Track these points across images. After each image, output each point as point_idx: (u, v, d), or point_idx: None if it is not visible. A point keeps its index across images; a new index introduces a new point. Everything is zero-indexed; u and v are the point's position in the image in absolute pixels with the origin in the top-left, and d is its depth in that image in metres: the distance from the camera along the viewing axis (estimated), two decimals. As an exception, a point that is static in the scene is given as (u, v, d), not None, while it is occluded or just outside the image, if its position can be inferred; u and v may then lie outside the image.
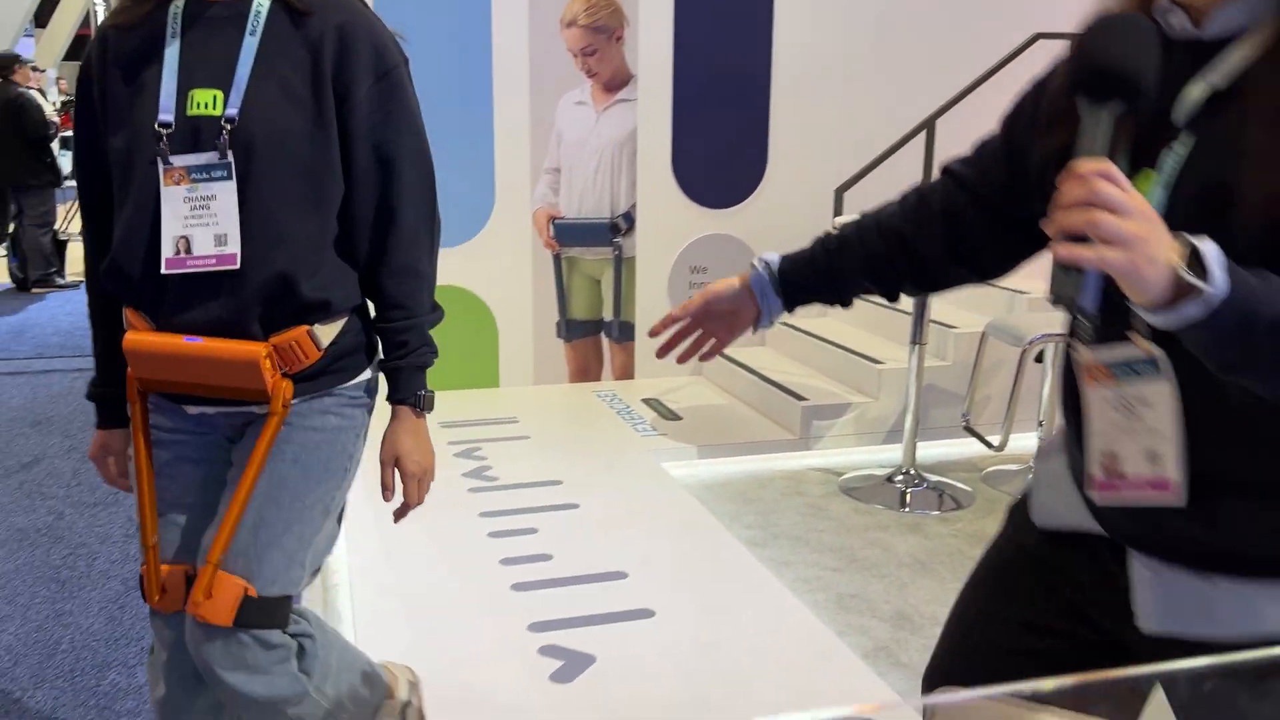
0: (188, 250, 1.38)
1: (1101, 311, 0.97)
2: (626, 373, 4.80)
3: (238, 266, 1.38)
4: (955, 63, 4.46)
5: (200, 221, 1.38)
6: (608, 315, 4.74)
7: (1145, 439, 1.01)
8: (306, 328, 1.44)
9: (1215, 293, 0.85)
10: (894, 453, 3.84)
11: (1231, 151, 0.93)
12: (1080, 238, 0.86)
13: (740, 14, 4.60)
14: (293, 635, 1.47)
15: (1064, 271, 0.89)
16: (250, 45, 1.42)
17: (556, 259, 4.61)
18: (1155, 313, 0.88)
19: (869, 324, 4.60)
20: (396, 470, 1.54)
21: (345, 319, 1.49)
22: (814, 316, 4.83)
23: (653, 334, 1.41)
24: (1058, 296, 0.90)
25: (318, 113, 1.41)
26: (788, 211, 4.71)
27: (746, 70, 4.66)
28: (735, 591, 2.69)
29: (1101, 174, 0.86)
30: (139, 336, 1.43)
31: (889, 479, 3.64)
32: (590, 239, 4.63)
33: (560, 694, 2.21)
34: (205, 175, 1.38)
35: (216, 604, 1.39)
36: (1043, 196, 0.97)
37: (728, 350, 4.74)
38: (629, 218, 4.64)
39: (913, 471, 3.63)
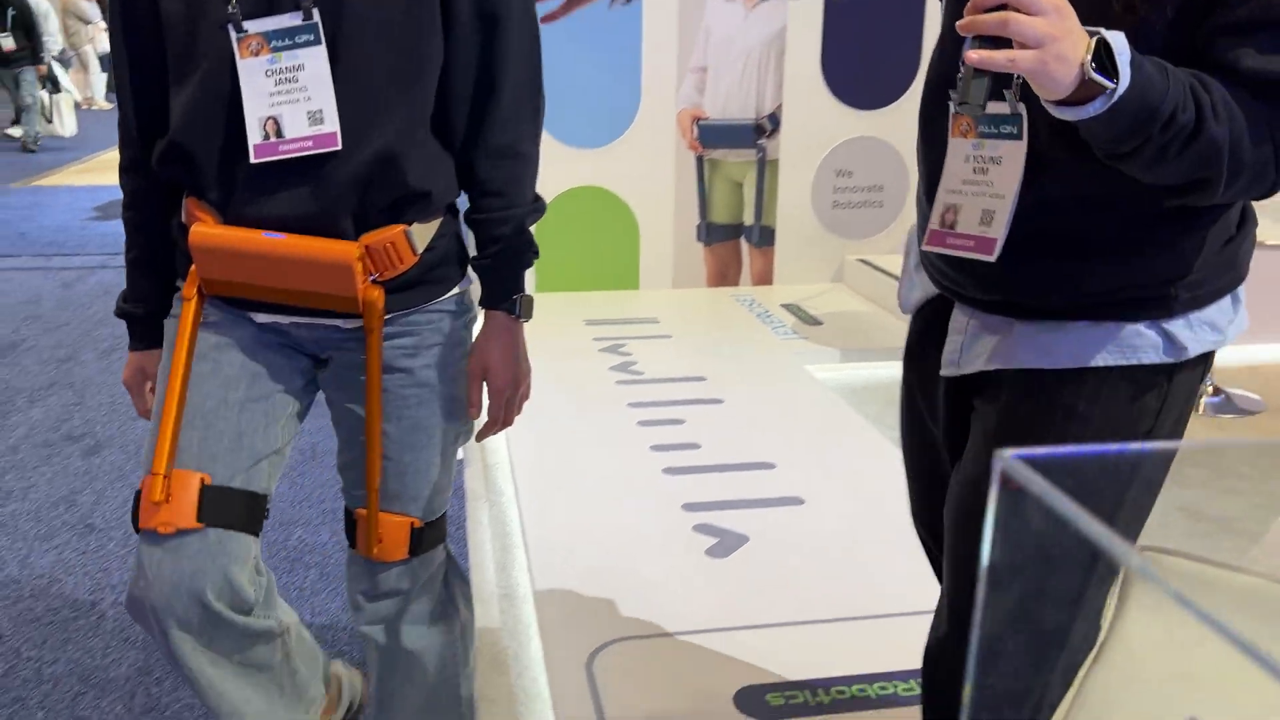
0: (278, 133, 1.17)
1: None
2: (765, 278, 4.79)
3: (338, 147, 1.18)
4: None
5: (289, 98, 1.17)
6: (748, 219, 4.72)
7: (985, 200, 1.10)
8: (403, 227, 1.25)
9: (1119, 90, 0.88)
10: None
11: None
12: (991, 41, 0.89)
13: (898, -95, 4.42)
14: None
15: (974, 75, 0.93)
16: None
17: (699, 161, 4.60)
18: (1060, 108, 0.91)
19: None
20: (485, 384, 1.37)
21: (441, 218, 1.31)
22: (961, 225, 4.71)
23: None
24: (964, 103, 0.94)
25: None
26: (939, 115, 4.57)
27: (902, -35, 4.49)
28: (883, 486, 2.71)
29: None
30: (210, 230, 1.22)
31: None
32: (734, 141, 4.59)
33: (716, 569, 2.29)
34: (288, 41, 1.16)
35: (390, 544, 1.35)
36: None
37: (868, 257, 4.69)
38: (774, 119, 4.58)
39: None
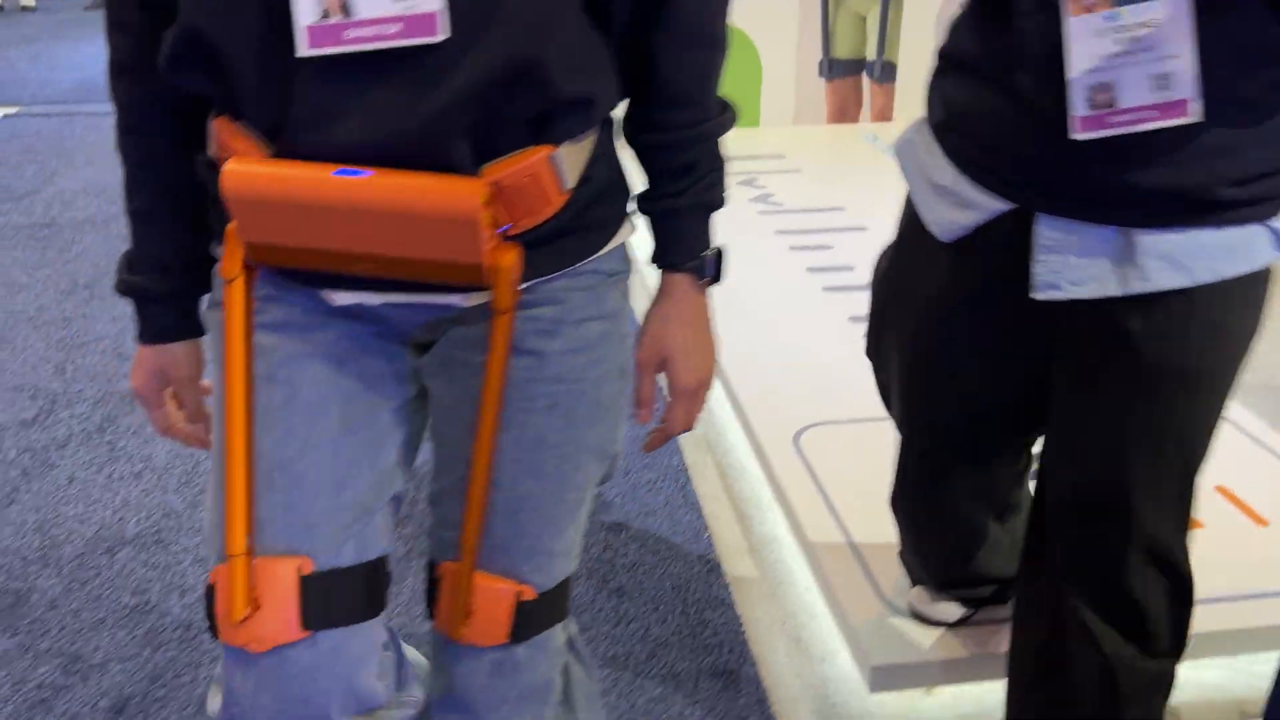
0: (343, 10, 0.75)
1: None
2: (885, 114, 4.84)
3: (437, 36, 0.75)
4: None
5: None
6: (871, 54, 4.73)
7: (1151, 65, 0.98)
8: (547, 150, 0.83)
9: None
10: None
11: None
12: None
13: None
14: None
15: None
16: None
17: (824, -6, 4.60)
18: None
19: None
20: (662, 378, 1.00)
21: (595, 134, 0.89)
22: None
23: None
24: None
25: None
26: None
27: None
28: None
29: None
30: (253, 169, 0.80)
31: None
32: (860, -27, 4.57)
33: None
34: None
35: (483, 621, 0.94)
36: None
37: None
38: (902, -50, 4.54)
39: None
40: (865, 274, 3.07)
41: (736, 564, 1.97)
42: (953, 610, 1.63)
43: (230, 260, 0.86)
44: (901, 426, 1.43)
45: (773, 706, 1.62)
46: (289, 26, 0.76)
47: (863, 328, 2.57)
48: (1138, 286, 1.07)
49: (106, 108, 5.75)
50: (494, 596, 0.93)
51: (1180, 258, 1.05)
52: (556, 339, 0.91)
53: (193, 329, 0.97)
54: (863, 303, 2.92)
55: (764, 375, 2.46)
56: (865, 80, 4.79)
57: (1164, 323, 1.08)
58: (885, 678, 1.61)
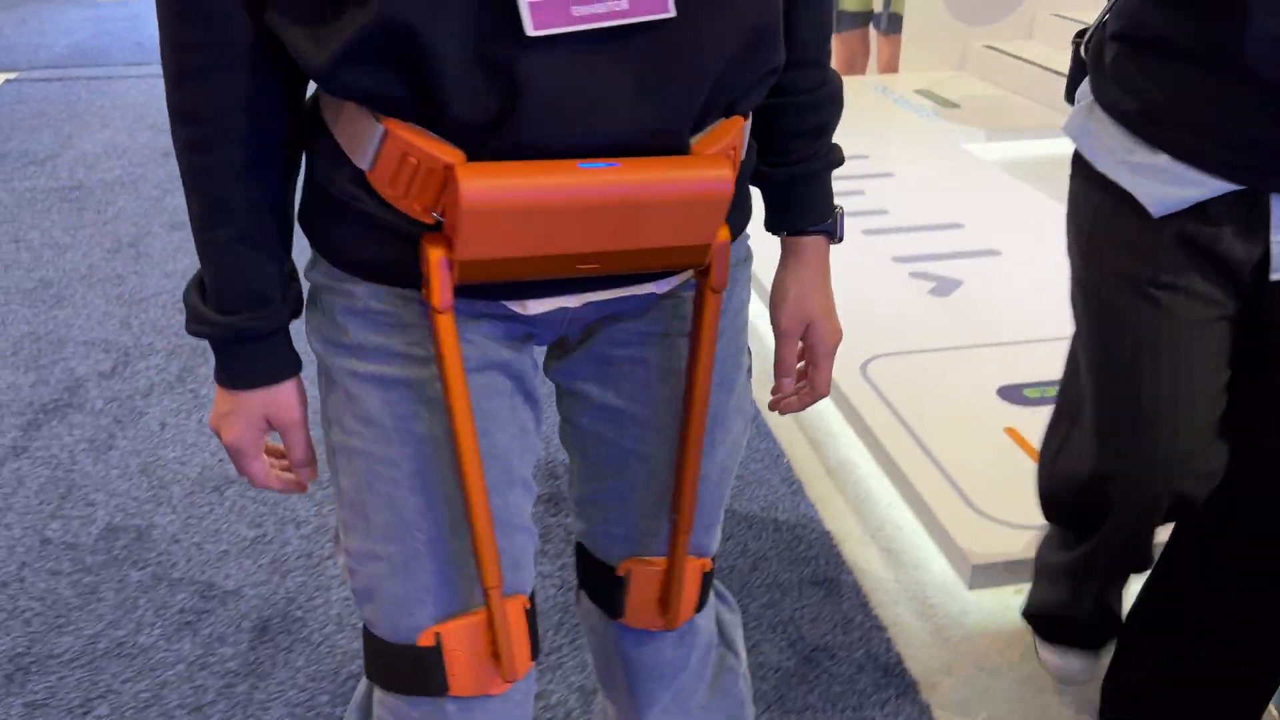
0: None
1: None
2: (892, 66, 4.93)
3: (670, 11, 0.68)
4: None
5: None
6: (877, 6, 4.81)
7: None
8: (742, 121, 0.80)
9: None
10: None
11: None
12: None
13: None
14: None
15: None
16: None
17: (832, -52, 4.66)
18: None
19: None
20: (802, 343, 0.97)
21: None
22: (1083, 7, 4.79)
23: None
24: None
25: None
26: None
27: None
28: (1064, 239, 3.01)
29: None
30: (494, 174, 0.69)
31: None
32: (867, -74, 4.64)
33: (943, 305, 2.62)
34: None
35: (684, 603, 0.95)
36: None
37: (995, 43, 4.80)
38: (909, -98, 4.60)
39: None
40: (900, 217, 3.19)
41: (816, 486, 2.08)
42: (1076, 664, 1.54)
43: (443, 286, 0.72)
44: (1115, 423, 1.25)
45: (875, 609, 1.75)
46: (506, 7, 0.66)
47: (911, 265, 2.66)
48: None
49: (107, 71, 5.71)
50: (693, 577, 0.94)
51: None
52: (721, 317, 0.88)
53: (297, 363, 0.84)
54: (901, 244, 3.06)
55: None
56: (872, 32, 4.87)
57: None
58: (982, 576, 1.74)
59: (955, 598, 1.77)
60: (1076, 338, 1.32)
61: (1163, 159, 1.09)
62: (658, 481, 0.91)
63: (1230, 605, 1.25)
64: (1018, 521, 1.82)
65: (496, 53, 0.66)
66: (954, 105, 4.40)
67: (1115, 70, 1.13)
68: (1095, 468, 1.27)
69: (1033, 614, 1.55)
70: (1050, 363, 2.33)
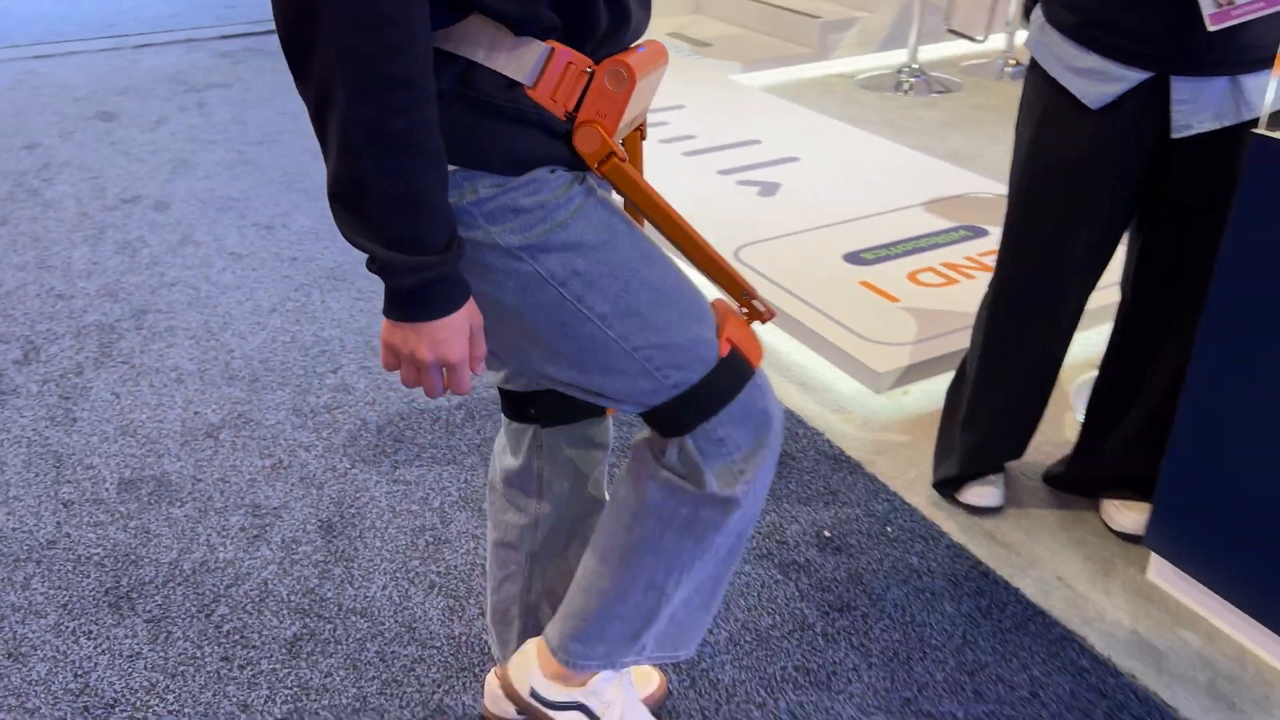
0: None
1: None
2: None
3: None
4: None
5: None
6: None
7: None
8: None
9: None
10: (894, 57, 4.77)
11: None
12: None
13: None
14: None
15: None
16: None
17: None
18: None
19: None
20: None
21: None
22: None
23: None
24: None
25: None
26: None
27: None
28: (853, 143, 3.65)
29: None
30: (636, 59, 1.03)
31: (898, 75, 4.58)
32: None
33: (775, 202, 3.16)
34: None
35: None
36: None
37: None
38: None
39: (916, 66, 4.58)
40: (708, 139, 3.69)
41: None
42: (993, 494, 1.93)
43: (602, 148, 1.02)
44: (1041, 255, 1.69)
45: (810, 423, 2.24)
46: None
47: (735, 175, 3.11)
48: (1246, 114, 1.50)
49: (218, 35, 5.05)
50: None
51: (1254, 93, 1.49)
52: None
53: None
54: (719, 160, 3.55)
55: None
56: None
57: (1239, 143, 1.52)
58: (885, 381, 2.29)
59: (864, 403, 2.30)
60: (1011, 202, 1.73)
61: (1093, 59, 1.52)
62: None
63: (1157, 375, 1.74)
64: (897, 341, 2.39)
65: None
66: (707, 44, 4.97)
67: None
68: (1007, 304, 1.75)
69: (947, 478, 1.94)
70: (872, 233, 2.93)
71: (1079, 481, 1.94)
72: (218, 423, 2.27)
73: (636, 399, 1.11)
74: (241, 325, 2.68)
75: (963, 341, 2.38)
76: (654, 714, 1.52)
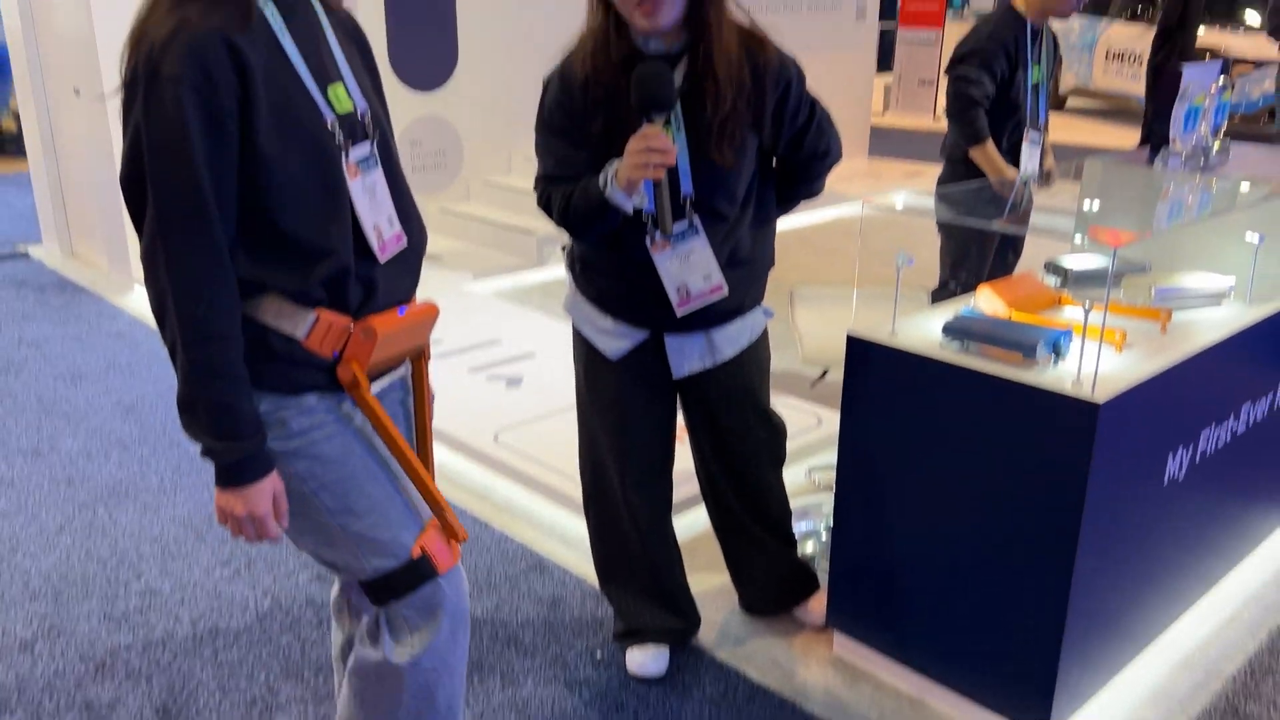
0: (380, 237, 1.44)
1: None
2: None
3: (405, 243, 1.50)
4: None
5: (378, 210, 1.44)
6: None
7: (699, 271, 1.94)
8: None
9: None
10: (601, 260, 5.60)
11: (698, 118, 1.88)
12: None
13: None
14: None
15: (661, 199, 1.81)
16: (331, 34, 1.42)
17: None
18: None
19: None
20: None
21: None
22: (506, 173, 6.33)
23: None
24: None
25: (380, 99, 1.51)
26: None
27: None
28: (567, 341, 4.30)
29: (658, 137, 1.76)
30: (383, 319, 1.45)
31: (606, 276, 5.37)
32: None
33: (519, 392, 3.71)
34: (370, 165, 1.42)
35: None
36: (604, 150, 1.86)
37: (450, 205, 6.10)
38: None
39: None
40: (452, 343, 4.21)
41: (503, 522, 3.01)
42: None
43: (363, 383, 1.43)
44: (610, 466, 2.21)
45: (571, 570, 2.72)
46: (364, 248, 1.43)
47: (483, 374, 3.66)
48: (720, 358, 2.09)
49: None
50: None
51: (734, 337, 2.09)
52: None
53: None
54: (471, 359, 4.01)
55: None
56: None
57: (734, 370, 2.13)
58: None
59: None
60: (583, 426, 2.27)
61: (610, 323, 2.06)
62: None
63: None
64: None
65: (367, 272, 1.44)
66: (438, 258, 5.58)
67: (580, 275, 2.12)
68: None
69: (623, 632, 2.33)
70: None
71: (758, 604, 2.49)
72: (29, 637, 2.41)
73: (351, 572, 1.53)
74: (31, 546, 2.82)
75: (693, 489, 2.98)
76: None
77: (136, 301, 5.02)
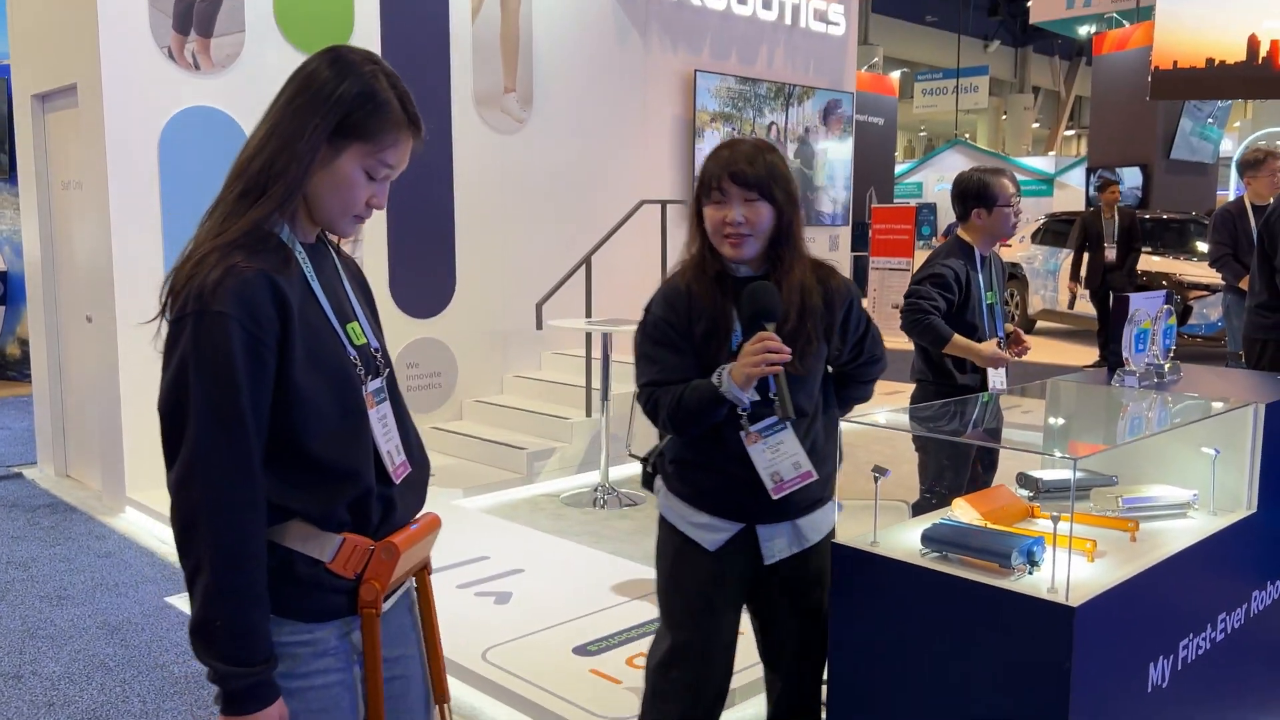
0: (393, 462, 1.53)
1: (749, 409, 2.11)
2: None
3: (410, 469, 1.58)
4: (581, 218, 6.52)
5: (389, 439, 1.53)
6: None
7: (789, 459, 2.13)
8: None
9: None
10: (590, 477, 5.69)
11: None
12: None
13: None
14: None
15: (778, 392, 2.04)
16: (343, 276, 1.57)
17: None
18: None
19: (543, 395, 6.42)
20: None
21: None
22: (508, 392, 6.52)
23: None
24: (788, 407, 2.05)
25: (381, 339, 1.61)
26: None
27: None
28: (566, 553, 4.32)
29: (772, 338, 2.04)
30: (400, 537, 1.50)
31: (594, 493, 5.46)
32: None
33: (505, 608, 3.70)
34: (382, 398, 1.53)
35: None
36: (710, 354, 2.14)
37: (442, 424, 6.25)
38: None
39: (607, 485, 5.49)
40: (442, 559, 4.24)
41: (482, 742, 2.95)
42: None
43: (376, 597, 1.46)
44: (688, 649, 2.26)
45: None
46: (384, 473, 1.50)
47: (470, 590, 3.69)
48: (805, 543, 2.23)
49: None
50: None
51: (817, 523, 2.25)
52: None
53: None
54: (458, 575, 4.02)
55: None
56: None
57: (816, 555, 2.25)
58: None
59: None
60: (665, 614, 2.33)
61: (705, 519, 2.21)
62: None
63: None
64: (622, 716, 2.91)
65: (387, 491, 1.51)
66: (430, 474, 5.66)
67: (673, 473, 2.28)
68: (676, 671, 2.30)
69: None
70: (593, 629, 3.53)
71: None
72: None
73: None
74: (5, 774, 2.74)
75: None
76: None
77: (126, 521, 5.04)
